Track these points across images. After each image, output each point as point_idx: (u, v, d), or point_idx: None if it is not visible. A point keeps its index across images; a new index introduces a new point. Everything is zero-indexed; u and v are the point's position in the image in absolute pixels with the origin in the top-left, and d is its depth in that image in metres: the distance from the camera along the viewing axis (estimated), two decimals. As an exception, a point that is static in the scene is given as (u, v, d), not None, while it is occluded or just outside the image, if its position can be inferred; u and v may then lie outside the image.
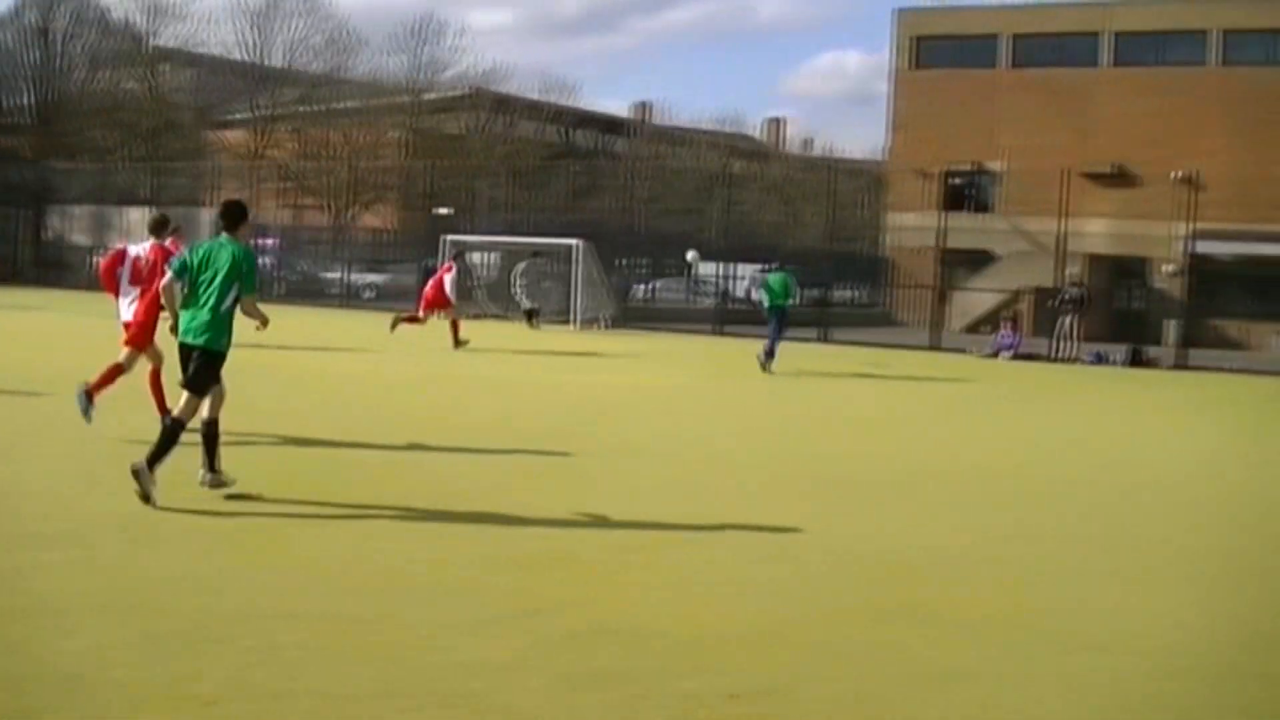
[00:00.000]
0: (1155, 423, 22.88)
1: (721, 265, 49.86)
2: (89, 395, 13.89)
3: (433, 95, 74.55)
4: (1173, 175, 52.09)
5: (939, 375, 30.63)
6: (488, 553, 9.57)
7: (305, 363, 25.09)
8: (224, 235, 11.30)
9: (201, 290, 11.00)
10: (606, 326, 43.38)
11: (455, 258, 35.91)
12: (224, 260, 11.01)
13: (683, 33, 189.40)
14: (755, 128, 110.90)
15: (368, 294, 53.31)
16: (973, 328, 52.65)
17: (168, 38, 71.94)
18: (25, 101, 71.84)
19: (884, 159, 69.97)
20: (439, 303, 32.63)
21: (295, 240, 62.27)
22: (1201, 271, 46.10)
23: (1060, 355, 37.64)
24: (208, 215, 56.09)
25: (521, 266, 44.37)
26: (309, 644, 7.20)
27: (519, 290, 44.41)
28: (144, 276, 14.41)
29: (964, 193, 62.82)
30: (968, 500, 13.08)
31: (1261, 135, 55.52)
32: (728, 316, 45.00)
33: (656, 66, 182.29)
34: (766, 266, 32.85)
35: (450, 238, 46.61)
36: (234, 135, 73.53)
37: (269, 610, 7.80)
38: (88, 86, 71.36)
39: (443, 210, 54.70)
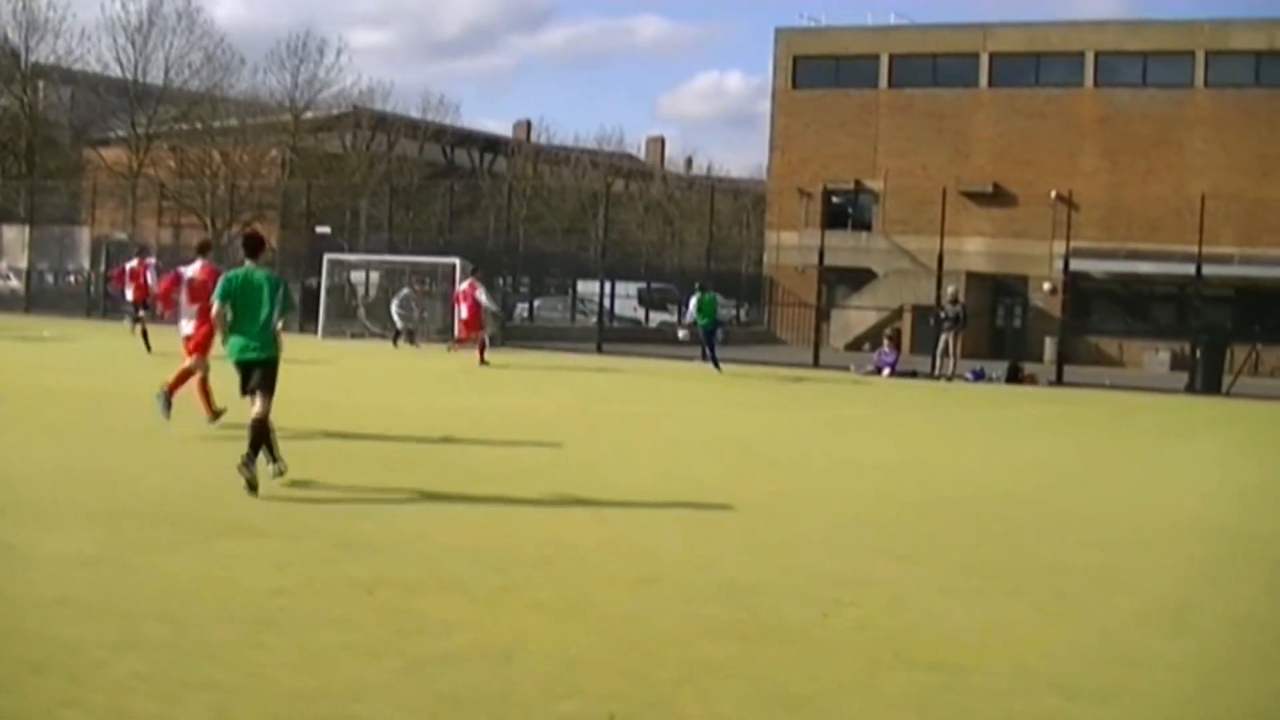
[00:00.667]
0: (1029, 439, 23.15)
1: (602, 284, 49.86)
2: (167, 396, 16.56)
3: (312, 114, 73.92)
4: (1050, 194, 52.89)
5: (820, 394, 30.80)
6: (364, 575, 9.51)
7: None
8: (249, 263, 13.23)
9: (249, 312, 12.91)
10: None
11: (473, 273, 35.87)
12: (262, 284, 12.97)
13: (563, 52, 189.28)
14: (636, 147, 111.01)
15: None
16: (854, 345, 53.07)
17: (44, 54, 70.71)
18: (-103, 118, 70.53)
19: (765, 178, 70.32)
20: (476, 324, 34.11)
21: (175, 259, 61.44)
22: (1078, 289, 46.73)
23: (940, 373, 37.92)
24: (86, 234, 55.63)
25: (404, 292, 44.01)
26: (187, 671, 7.13)
27: (396, 313, 44.11)
28: (200, 295, 16.76)
29: (844, 211, 63.32)
30: (843, 521, 13.15)
31: (1135, 156, 56.50)
32: (608, 335, 44.97)
33: (537, 85, 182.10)
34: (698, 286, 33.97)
35: (331, 257, 46.37)
36: (112, 153, 72.46)
37: (150, 637, 7.70)
38: (-38, 103, 70.17)
39: (323, 229, 54.33)
